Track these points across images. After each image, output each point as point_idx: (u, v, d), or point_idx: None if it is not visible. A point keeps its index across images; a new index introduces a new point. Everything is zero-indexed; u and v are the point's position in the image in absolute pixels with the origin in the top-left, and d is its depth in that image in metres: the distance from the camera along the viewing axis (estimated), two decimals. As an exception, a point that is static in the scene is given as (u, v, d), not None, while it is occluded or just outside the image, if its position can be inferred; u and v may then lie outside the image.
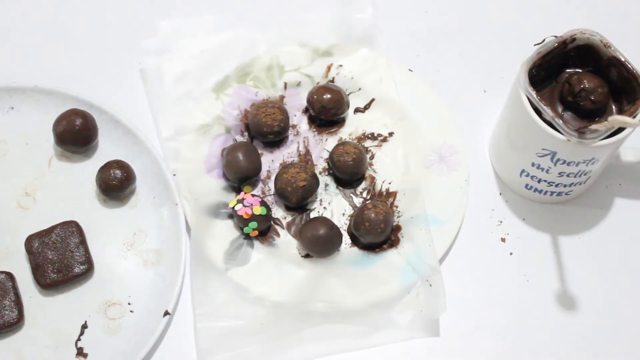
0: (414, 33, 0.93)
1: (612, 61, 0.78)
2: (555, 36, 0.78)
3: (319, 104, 0.86)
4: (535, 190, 0.84)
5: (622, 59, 0.77)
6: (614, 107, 0.79)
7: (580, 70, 0.80)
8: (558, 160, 0.78)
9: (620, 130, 0.76)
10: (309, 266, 0.82)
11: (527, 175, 0.83)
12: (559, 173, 0.80)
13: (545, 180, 0.82)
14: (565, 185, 0.82)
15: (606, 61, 0.78)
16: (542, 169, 0.81)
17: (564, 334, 0.82)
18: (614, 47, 0.77)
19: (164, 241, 0.83)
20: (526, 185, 0.84)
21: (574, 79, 0.77)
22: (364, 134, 0.88)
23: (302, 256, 0.83)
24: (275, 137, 0.86)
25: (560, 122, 0.75)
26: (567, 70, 0.80)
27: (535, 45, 0.78)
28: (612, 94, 0.79)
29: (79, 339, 0.79)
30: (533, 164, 0.81)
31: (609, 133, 0.75)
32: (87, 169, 0.85)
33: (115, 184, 0.82)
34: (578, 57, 0.79)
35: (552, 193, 0.84)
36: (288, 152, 0.88)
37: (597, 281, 0.84)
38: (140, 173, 0.85)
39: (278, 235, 0.84)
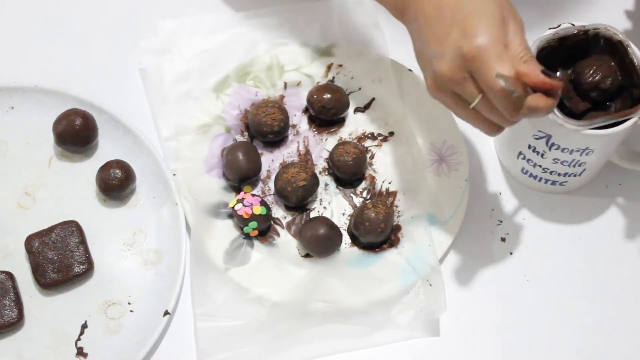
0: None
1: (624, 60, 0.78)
2: (573, 24, 0.78)
3: (319, 104, 0.86)
4: (531, 175, 0.84)
5: (637, 63, 0.77)
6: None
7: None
8: (553, 144, 0.78)
9: (616, 124, 0.76)
10: (309, 266, 0.82)
11: (524, 158, 0.83)
12: (554, 159, 0.80)
13: (540, 166, 0.82)
14: (559, 174, 0.82)
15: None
16: (538, 153, 0.81)
17: (564, 333, 0.82)
18: (632, 48, 0.77)
19: (164, 241, 0.83)
20: (522, 169, 0.84)
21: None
22: (364, 134, 0.88)
23: (302, 256, 0.83)
24: (275, 137, 0.86)
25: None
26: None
27: (550, 29, 0.78)
28: (616, 93, 0.79)
29: (79, 339, 0.79)
30: (529, 146, 0.81)
31: (605, 123, 0.75)
32: (87, 169, 0.85)
33: (115, 184, 0.82)
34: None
35: (546, 181, 0.84)
36: (288, 152, 0.87)
37: (597, 282, 0.84)
38: (140, 173, 0.85)
39: (278, 235, 0.84)
